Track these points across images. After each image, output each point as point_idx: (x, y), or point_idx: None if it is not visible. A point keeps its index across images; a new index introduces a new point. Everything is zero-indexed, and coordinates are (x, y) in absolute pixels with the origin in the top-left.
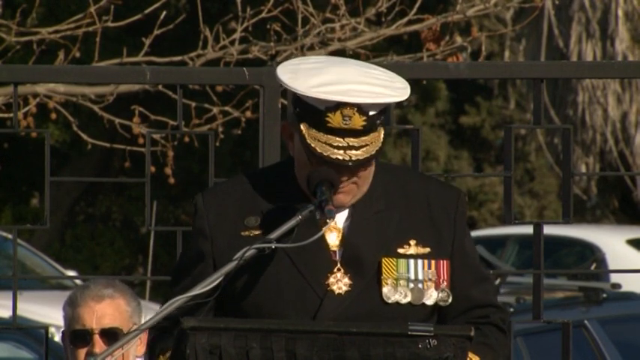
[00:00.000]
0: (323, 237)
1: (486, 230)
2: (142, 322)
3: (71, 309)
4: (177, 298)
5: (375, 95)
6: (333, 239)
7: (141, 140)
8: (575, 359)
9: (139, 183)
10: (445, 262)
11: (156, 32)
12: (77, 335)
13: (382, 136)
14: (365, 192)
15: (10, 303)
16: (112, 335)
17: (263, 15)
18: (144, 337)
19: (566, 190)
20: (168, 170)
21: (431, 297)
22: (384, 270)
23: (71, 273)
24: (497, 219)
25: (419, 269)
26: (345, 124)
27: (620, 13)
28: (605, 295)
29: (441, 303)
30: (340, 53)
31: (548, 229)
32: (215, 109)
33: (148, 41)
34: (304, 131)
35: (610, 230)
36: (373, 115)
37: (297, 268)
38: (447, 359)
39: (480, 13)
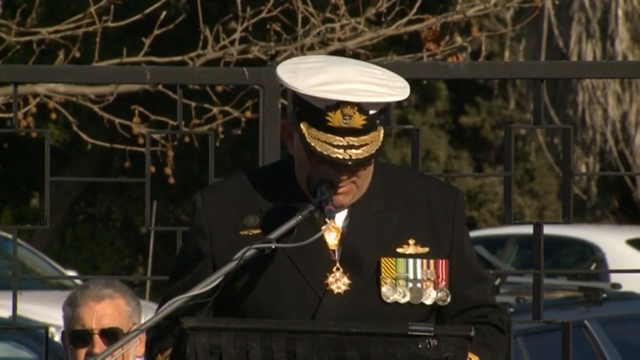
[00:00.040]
0: (322, 236)
1: (486, 230)
2: (142, 322)
3: (71, 309)
4: (178, 298)
5: (376, 94)
6: (332, 239)
7: (141, 140)
8: (575, 359)
9: (139, 183)
10: (444, 261)
11: (156, 32)
12: (77, 335)
13: (382, 135)
14: (364, 192)
15: (10, 303)
16: (111, 335)
17: (263, 15)
18: (143, 337)
19: (566, 190)
20: (168, 170)
21: (429, 297)
22: (383, 269)
23: (71, 273)
24: (497, 219)
25: (418, 269)
26: (346, 123)
27: (620, 13)
28: (605, 295)
29: (440, 303)
30: (340, 53)
31: (548, 229)
32: (215, 109)
33: (148, 41)
34: (304, 130)
35: (610, 230)
36: (373, 114)
37: (296, 267)
38: (447, 359)
39: (480, 13)
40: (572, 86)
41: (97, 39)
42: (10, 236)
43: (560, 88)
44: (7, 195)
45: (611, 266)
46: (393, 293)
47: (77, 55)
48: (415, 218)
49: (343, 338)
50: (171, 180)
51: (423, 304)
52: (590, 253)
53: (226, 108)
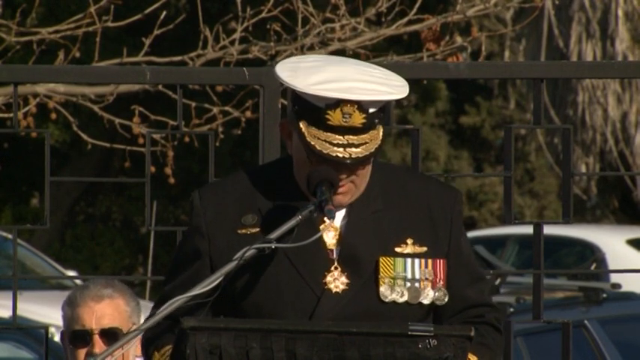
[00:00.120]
0: (320, 236)
1: (486, 230)
2: (142, 321)
3: (70, 309)
4: (178, 298)
5: (376, 92)
6: (330, 238)
7: (141, 140)
8: (575, 359)
9: (139, 183)
10: (442, 261)
11: (156, 32)
12: (77, 335)
13: (381, 134)
14: (362, 191)
15: (10, 303)
16: (111, 335)
17: (263, 15)
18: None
19: (566, 190)
20: (168, 170)
21: (427, 296)
22: (381, 269)
23: (71, 273)
24: (497, 219)
25: (416, 268)
26: (345, 122)
27: (620, 13)
28: (605, 295)
29: (438, 302)
30: (340, 53)
31: (548, 229)
32: (215, 109)
33: (148, 41)
34: (303, 129)
35: (610, 230)
36: (373, 113)
37: (295, 267)
38: (447, 359)
39: (480, 13)
40: (572, 86)
41: (97, 39)
42: (10, 236)
43: (560, 88)
44: (7, 195)
45: (611, 266)
46: (391, 293)
47: (77, 55)
48: (414, 218)
49: (343, 338)
50: (171, 180)
51: (420, 303)
52: (590, 253)
53: (226, 108)
